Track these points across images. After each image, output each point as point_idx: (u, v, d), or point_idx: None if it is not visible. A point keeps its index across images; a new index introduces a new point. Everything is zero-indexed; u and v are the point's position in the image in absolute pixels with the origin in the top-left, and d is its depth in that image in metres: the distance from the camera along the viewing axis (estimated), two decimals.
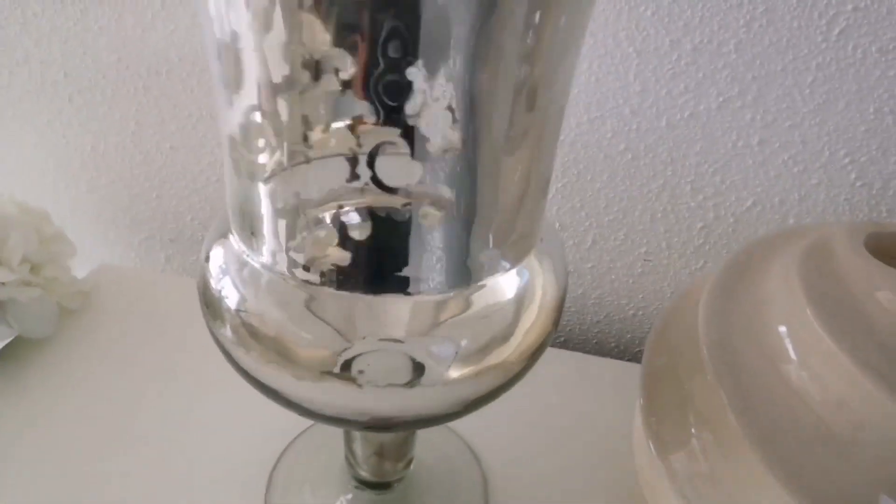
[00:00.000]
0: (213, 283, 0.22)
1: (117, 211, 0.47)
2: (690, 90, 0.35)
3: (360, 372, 0.21)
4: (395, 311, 0.21)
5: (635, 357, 0.45)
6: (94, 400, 0.35)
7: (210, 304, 0.22)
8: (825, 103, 0.34)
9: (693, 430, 0.24)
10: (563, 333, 0.45)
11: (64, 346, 0.37)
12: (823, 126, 0.35)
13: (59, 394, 0.35)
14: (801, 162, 0.36)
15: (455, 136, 0.19)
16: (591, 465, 0.32)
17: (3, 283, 0.34)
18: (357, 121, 0.18)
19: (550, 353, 0.40)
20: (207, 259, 0.23)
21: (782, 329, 0.24)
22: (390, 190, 0.19)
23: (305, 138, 0.19)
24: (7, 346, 0.37)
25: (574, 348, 0.45)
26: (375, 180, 0.19)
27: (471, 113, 0.18)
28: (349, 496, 0.30)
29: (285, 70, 0.17)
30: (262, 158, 0.20)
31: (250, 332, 0.21)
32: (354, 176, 0.19)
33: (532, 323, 0.22)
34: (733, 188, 0.37)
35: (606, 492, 0.31)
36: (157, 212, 0.47)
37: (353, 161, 0.19)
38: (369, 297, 0.20)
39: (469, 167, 0.20)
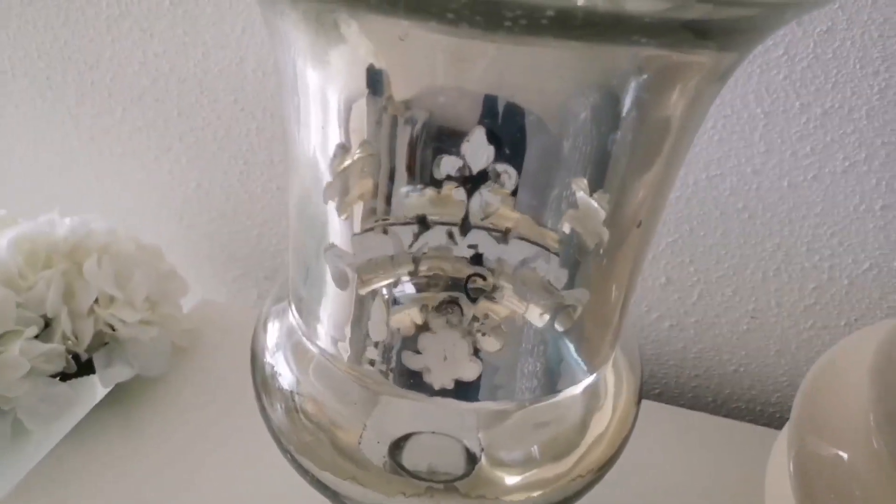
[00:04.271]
0: (267, 356, 0.21)
1: (215, 247, 0.48)
2: (816, 153, 0.35)
3: (416, 475, 0.19)
4: (458, 415, 0.20)
5: (732, 413, 0.44)
6: (206, 436, 0.35)
7: (263, 379, 0.21)
8: None
9: None
10: (658, 386, 0.45)
11: (176, 384, 0.38)
12: None
13: (172, 431, 0.35)
14: None
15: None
16: None
17: (125, 323, 0.35)
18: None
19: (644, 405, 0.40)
20: (265, 328, 0.21)
21: None
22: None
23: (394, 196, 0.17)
24: (122, 383, 0.37)
25: (668, 401, 0.44)
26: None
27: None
28: None
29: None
30: (336, 218, 0.18)
31: (303, 417, 0.20)
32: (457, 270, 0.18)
33: (602, 434, 0.21)
34: (850, 251, 0.37)
35: None
36: (255, 249, 0.47)
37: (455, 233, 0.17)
38: (436, 400, 0.19)
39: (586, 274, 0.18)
